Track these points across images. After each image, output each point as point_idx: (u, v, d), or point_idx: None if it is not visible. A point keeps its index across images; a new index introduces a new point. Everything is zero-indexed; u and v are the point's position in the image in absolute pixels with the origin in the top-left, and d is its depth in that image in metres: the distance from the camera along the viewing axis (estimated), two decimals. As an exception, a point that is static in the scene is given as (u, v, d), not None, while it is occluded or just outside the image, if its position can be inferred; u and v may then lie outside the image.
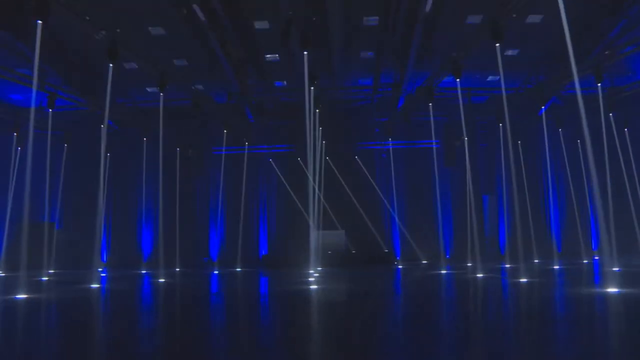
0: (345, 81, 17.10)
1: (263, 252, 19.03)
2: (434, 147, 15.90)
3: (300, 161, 15.83)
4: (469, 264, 14.66)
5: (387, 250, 17.94)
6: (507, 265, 14.38)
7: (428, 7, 11.30)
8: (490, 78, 16.28)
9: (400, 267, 15.68)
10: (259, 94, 17.11)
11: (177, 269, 15.87)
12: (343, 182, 18.26)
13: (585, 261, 15.65)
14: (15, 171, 15.64)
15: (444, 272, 13.09)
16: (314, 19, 12.04)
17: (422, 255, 17.48)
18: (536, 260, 15.35)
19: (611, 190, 13.21)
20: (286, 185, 18.92)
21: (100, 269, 11.91)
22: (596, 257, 16.99)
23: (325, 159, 17.08)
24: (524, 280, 9.85)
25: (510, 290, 8.99)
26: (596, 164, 8.28)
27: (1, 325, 6.40)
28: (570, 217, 16.97)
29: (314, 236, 11.60)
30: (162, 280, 12.20)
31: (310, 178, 11.33)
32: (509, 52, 14.14)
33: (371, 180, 18.84)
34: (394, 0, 11.78)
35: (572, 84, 14.64)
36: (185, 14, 11.74)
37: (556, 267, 13.51)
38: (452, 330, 5.45)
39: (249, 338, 5.28)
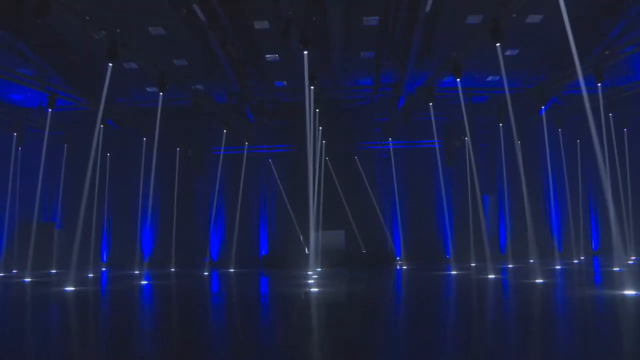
0: (345, 81, 17.08)
1: (263, 252, 19.02)
2: (436, 147, 15.86)
3: (300, 161, 15.83)
4: (470, 264, 14.66)
5: (364, 251, 17.91)
6: (510, 266, 14.34)
7: (428, 7, 11.29)
8: (490, 78, 16.27)
9: (400, 267, 15.66)
10: (259, 94, 17.10)
11: (177, 269, 15.88)
12: (343, 182, 18.25)
13: (585, 261, 15.62)
14: (13, 171, 15.67)
15: (445, 273, 13.07)
16: (314, 19, 12.03)
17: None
18: (536, 260, 15.32)
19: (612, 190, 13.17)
20: (286, 185, 18.92)
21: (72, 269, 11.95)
22: (595, 257, 16.99)
23: (325, 159, 17.06)
24: (532, 281, 9.84)
25: (521, 292, 8.96)
26: (597, 164, 8.25)
27: None
28: (570, 217, 16.95)
29: (314, 236, 11.60)
30: (155, 281, 12.25)
31: (310, 178, 11.32)
32: (509, 52, 14.13)
33: (371, 180, 18.82)
34: (394, 0, 11.77)
35: (572, 84, 14.74)
36: (185, 14, 11.73)
37: (558, 267, 13.49)
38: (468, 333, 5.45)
39: (244, 343, 5.26)
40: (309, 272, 12.05)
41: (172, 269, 15.90)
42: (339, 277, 12.60)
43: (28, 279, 12.89)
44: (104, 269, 16.95)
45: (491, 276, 11.29)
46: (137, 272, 14.91)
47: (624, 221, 14.76)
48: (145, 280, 12.64)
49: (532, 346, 4.82)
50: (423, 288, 10.28)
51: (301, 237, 17.49)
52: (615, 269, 11.80)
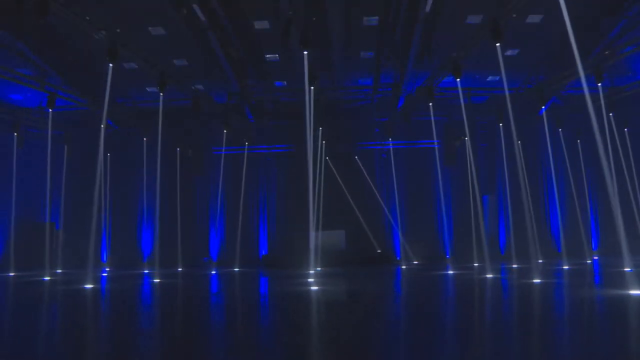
0: (345, 81, 17.08)
1: (263, 252, 19.01)
2: (436, 147, 15.86)
3: (300, 161, 15.83)
4: (470, 264, 14.64)
5: (379, 251, 17.92)
6: (511, 266, 14.30)
7: (428, 7, 11.29)
8: (490, 78, 16.26)
9: (401, 267, 15.64)
10: (259, 94, 17.10)
11: (177, 269, 15.87)
12: (343, 182, 18.25)
13: (586, 261, 15.59)
14: (12, 171, 15.69)
15: (447, 273, 13.05)
16: (314, 19, 12.03)
17: (416, 255, 17.30)
18: (538, 260, 15.30)
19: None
20: (286, 185, 18.92)
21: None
22: (596, 257, 16.97)
23: (325, 159, 17.06)
24: (536, 281, 9.77)
25: (527, 293, 8.88)
26: (600, 164, 8.22)
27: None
28: (570, 217, 16.94)
29: (314, 236, 11.60)
30: (171, 280, 12.30)
31: (310, 178, 11.33)
32: (509, 52, 14.13)
33: (371, 180, 18.83)
34: (394, 0, 11.77)
35: (572, 84, 14.73)
36: (185, 14, 11.73)
37: (559, 267, 13.43)
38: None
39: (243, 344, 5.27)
40: (310, 272, 12.05)
41: (179, 269, 15.89)
42: (340, 276, 12.60)
43: (47, 278, 12.98)
44: (110, 269, 16.95)
45: (492, 275, 11.25)
46: (145, 271, 15.00)
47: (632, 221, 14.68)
48: (160, 278, 12.66)
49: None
50: (427, 289, 10.25)
51: (304, 237, 17.48)
52: (628, 269, 11.69)
